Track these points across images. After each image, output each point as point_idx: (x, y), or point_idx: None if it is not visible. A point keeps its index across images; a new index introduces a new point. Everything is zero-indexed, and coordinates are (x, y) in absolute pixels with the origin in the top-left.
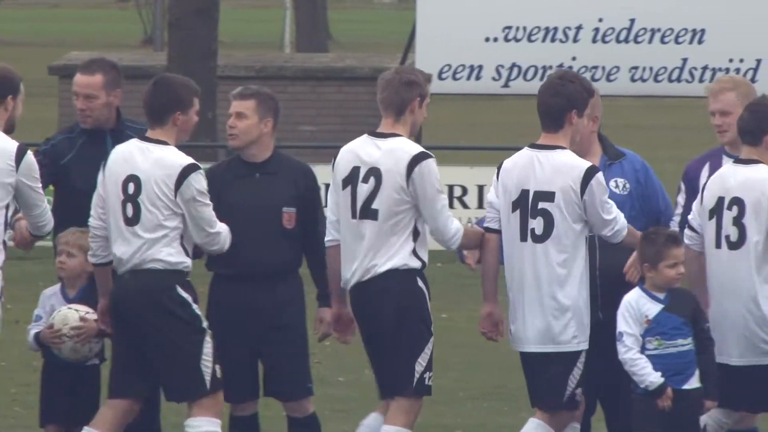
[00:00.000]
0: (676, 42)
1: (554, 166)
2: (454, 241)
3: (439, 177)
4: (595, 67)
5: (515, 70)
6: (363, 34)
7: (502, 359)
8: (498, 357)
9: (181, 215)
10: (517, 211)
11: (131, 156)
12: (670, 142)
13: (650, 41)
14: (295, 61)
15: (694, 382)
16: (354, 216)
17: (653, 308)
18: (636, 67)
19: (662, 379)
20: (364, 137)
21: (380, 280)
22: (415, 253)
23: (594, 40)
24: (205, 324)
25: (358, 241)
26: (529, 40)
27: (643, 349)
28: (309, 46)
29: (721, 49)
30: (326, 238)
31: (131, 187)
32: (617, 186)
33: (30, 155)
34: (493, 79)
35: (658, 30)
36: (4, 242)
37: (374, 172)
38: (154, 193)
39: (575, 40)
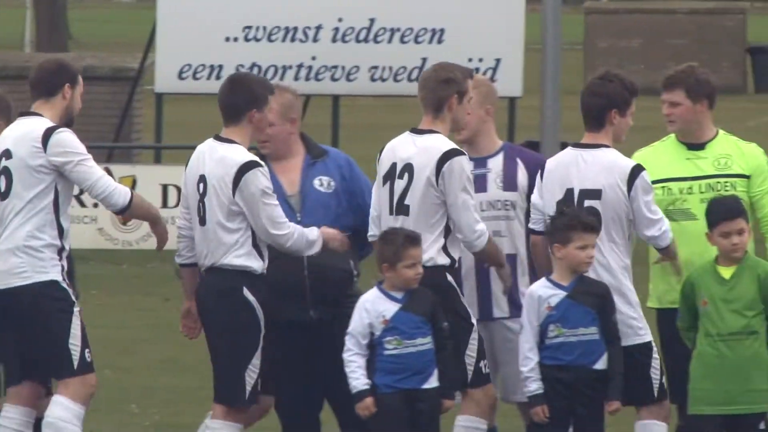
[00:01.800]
0: (416, 42)
1: (601, 164)
2: (478, 243)
3: (470, 175)
4: (335, 67)
5: (255, 70)
6: (103, 33)
7: None
8: None
9: (242, 214)
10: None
11: (202, 156)
12: None
13: (390, 41)
14: (36, 61)
15: (433, 381)
16: (391, 212)
17: (391, 308)
18: (376, 67)
19: (366, 387)
20: (406, 134)
21: None
22: (445, 249)
23: (334, 40)
24: (262, 328)
25: None
26: (269, 40)
27: (383, 349)
28: (49, 46)
29: (460, 49)
30: (368, 233)
31: (201, 187)
32: (322, 184)
33: (58, 134)
34: None
35: (398, 30)
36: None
37: (408, 168)
38: (216, 193)
39: (315, 40)
